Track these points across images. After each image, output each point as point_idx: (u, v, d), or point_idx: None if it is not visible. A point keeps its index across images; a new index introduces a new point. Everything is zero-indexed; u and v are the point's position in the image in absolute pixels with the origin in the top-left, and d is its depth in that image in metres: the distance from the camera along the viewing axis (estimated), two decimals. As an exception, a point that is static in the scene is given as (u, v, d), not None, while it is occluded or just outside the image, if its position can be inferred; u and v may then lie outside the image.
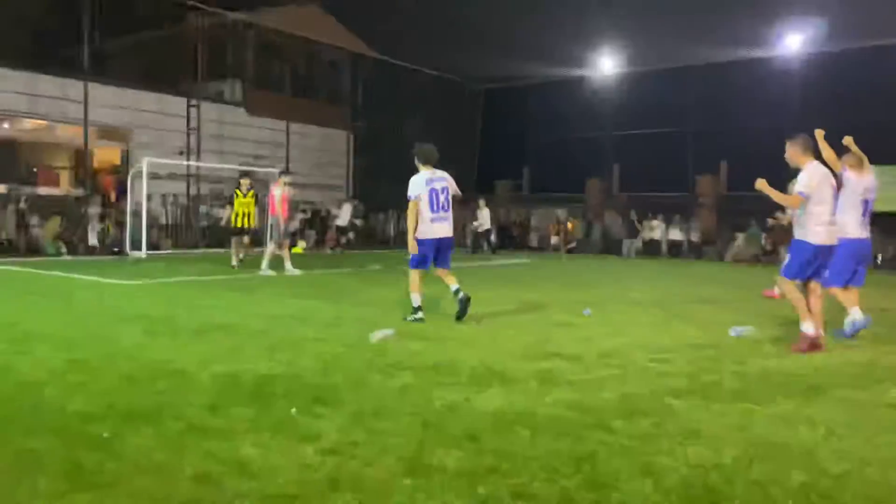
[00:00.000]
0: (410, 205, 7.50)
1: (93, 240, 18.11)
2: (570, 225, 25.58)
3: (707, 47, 22.59)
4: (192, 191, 21.58)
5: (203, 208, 21.46)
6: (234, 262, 14.03)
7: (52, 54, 19.04)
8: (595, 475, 3.08)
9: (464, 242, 22.80)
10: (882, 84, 20.82)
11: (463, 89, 29.60)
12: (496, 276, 14.32)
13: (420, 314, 7.49)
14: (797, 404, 4.39)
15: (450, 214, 7.65)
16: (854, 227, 7.03)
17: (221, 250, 19.66)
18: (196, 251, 19.54)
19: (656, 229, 23.75)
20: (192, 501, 2.69)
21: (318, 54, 25.78)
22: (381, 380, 4.75)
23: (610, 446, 3.48)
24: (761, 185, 6.44)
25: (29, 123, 20.08)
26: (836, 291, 7.09)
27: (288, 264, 13.06)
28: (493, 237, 23.53)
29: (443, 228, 7.57)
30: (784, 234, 10.47)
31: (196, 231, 20.78)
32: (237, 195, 14.17)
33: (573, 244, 25.74)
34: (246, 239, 14.34)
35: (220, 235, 20.81)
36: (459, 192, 7.84)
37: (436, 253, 7.60)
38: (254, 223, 14.27)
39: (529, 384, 4.73)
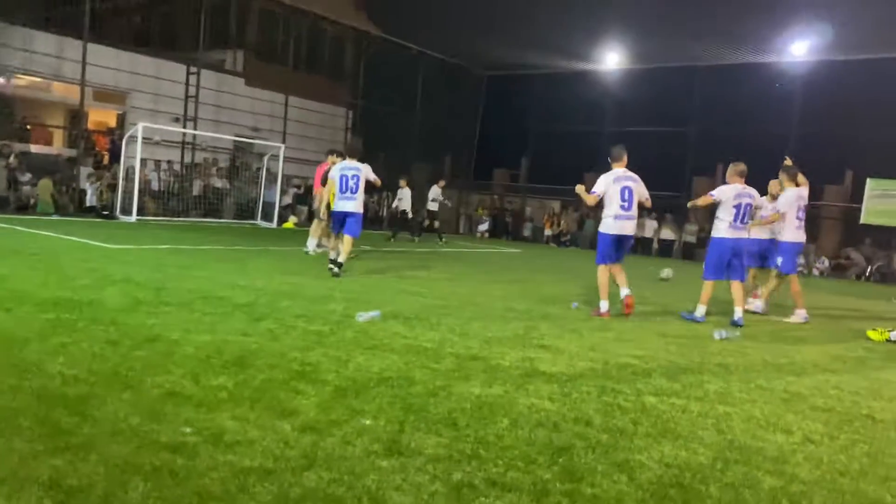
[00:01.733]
0: (328, 183, 10.18)
1: (93, 201, 17.96)
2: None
3: (712, 48, 22.56)
4: (187, 159, 21.44)
5: (225, 182, 21.30)
6: (314, 246, 12.44)
7: (52, 12, 18.77)
8: (571, 467, 3.10)
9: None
10: (885, 98, 20.89)
11: (466, 74, 29.47)
12: (486, 263, 14.32)
13: (336, 269, 9.44)
14: (776, 410, 4.42)
15: (356, 195, 9.73)
16: (724, 228, 8.18)
17: (211, 220, 19.59)
18: (186, 219, 19.45)
19: (648, 227, 23.82)
20: (165, 469, 2.68)
21: (322, 29, 25.55)
22: (364, 360, 4.74)
23: (587, 440, 3.49)
24: (578, 189, 8.29)
25: (25, 80, 19.84)
26: (707, 284, 8.31)
27: (312, 241, 12.69)
28: (426, 222, 20.10)
29: (347, 205, 9.70)
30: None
31: (188, 199, 20.64)
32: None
33: (567, 236, 25.84)
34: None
35: (211, 205, 20.72)
36: (376, 180, 10.05)
37: (342, 222, 9.77)
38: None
39: (511, 373, 4.74)
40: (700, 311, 8.22)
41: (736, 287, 8.26)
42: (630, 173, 8.12)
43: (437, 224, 20.14)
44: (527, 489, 2.83)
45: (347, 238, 9.67)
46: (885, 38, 19.78)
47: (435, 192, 19.79)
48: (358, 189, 9.75)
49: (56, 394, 3.46)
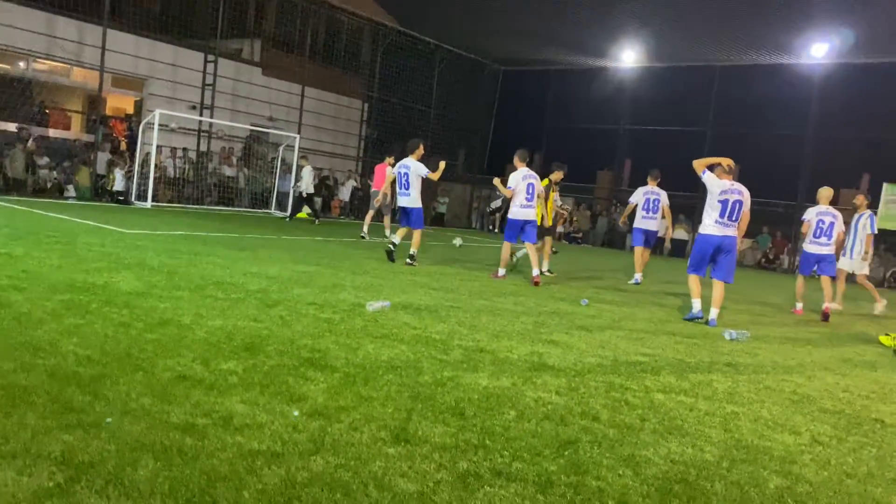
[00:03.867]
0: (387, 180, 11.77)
1: (121, 186, 18.10)
2: (566, 210, 25.56)
3: (730, 48, 22.39)
4: (203, 147, 21.54)
5: (244, 172, 21.35)
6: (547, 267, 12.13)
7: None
8: (576, 460, 3.11)
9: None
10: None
11: (482, 68, 29.39)
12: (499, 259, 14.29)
13: (409, 262, 10.63)
14: (785, 411, 4.41)
15: (409, 191, 10.67)
16: (709, 224, 7.96)
17: (226, 208, 19.68)
18: (201, 207, 19.56)
19: (661, 226, 23.70)
20: (174, 448, 2.71)
21: (338, 20, 25.57)
22: (373, 349, 4.77)
23: (594, 434, 3.50)
24: (496, 181, 10.59)
25: (44, 64, 19.97)
26: (690, 278, 8.27)
27: (387, 231, 15.24)
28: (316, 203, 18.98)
29: (403, 200, 10.78)
30: (784, 244, 11.22)
31: (203, 187, 20.74)
32: (554, 190, 11.84)
33: (580, 234, 25.76)
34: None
35: (226, 194, 20.78)
36: (429, 174, 10.66)
37: (405, 217, 10.87)
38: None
39: (520, 367, 4.75)
40: (695, 305, 8.09)
41: (718, 286, 8.05)
42: (532, 172, 10.29)
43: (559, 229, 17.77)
44: (532, 480, 2.84)
45: (414, 232, 10.72)
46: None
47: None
48: (409, 185, 10.66)
49: (69, 373, 3.50)
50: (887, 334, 8.00)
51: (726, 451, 3.48)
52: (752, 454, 3.49)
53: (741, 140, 23.73)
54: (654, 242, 12.51)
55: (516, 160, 10.42)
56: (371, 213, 15.68)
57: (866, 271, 11.25)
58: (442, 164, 10.91)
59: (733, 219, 7.89)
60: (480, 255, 14.78)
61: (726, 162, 7.97)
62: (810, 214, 10.18)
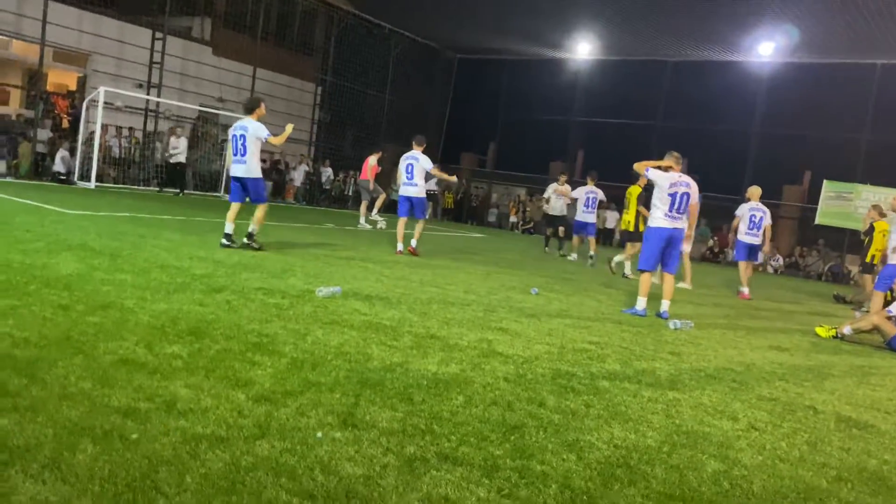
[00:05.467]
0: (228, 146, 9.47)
1: (60, 166, 17.45)
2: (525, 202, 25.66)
3: (682, 44, 22.81)
4: (149, 126, 20.97)
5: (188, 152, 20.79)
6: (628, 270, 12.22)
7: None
8: (522, 445, 3.15)
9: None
10: (844, 102, 21.49)
11: (437, 55, 29.30)
12: (450, 247, 14.34)
13: (226, 241, 8.85)
14: (724, 398, 4.54)
15: (245, 158, 8.81)
16: (659, 218, 7.90)
17: (173, 190, 19.22)
18: (147, 188, 19.07)
19: (610, 219, 24.10)
20: (115, 433, 2.65)
21: (293, 2, 25.13)
22: (322, 334, 4.73)
23: (539, 420, 3.55)
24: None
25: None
26: (643, 276, 8.03)
27: (362, 219, 16.16)
28: (548, 230, 16.24)
29: (237, 169, 8.92)
30: (728, 237, 12.34)
31: (149, 167, 20.20)
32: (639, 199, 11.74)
33: (531, 224, 25.97)
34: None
35: (172, 174, 20.28)
36: (271, 138, 8.84)
37: (241, 188, 9.06)
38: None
39: (469, 353, 4.78)
40: (640, 303, 7.89)
41: (668, 279, 8.08)
42: (417, 154, 11.07)
43: (561, 232, 15.66)
44: (478, 464, 2.87)
45: (258, 207, 9.01)
46: (848, 43, 20.22)
47: (557, 189, 15.45)
48: (246, 151, 8.74)
49: (4, 355, 3.39)
50: (822, 325, 8.31)
51: (667, 437, 3.58)
52: (692, 439, 3.60)
53: (689, 134, 24.23)
54: (593, 232, 14.61)
55: (414, 142, 11.32)
56: (382, 199, 16.23)
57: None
58: (289, 127, 9.16)
59: (681, 211, 7.86)
60: (433, 241, 14.79)
61: (665, 164, 7.97)
62: (743, 210, 11.99)
